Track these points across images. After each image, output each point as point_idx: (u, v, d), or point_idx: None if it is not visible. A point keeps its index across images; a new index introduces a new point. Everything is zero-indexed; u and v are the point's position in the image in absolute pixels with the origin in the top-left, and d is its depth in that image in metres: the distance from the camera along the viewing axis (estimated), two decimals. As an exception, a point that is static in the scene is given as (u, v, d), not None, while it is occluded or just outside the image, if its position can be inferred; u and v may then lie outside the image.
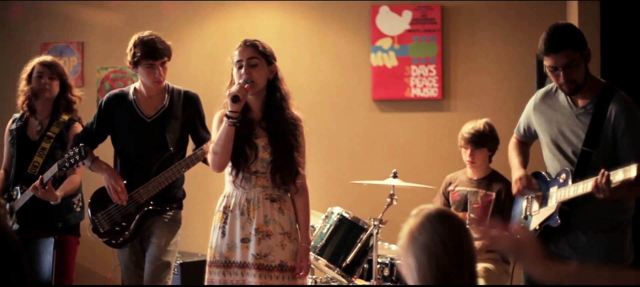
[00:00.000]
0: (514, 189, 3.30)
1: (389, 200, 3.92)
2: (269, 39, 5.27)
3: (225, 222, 3.30)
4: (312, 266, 4.12)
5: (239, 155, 3.27)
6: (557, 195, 3.11)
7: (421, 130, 5.25)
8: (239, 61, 3.28)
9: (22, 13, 5.57)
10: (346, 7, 5.29)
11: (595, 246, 3.07)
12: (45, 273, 4.01)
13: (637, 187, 2.95)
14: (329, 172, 5.22)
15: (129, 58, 3.83)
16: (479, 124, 4.33)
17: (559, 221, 3.07)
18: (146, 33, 3.84)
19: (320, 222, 4.02)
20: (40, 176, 3.91)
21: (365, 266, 3.99)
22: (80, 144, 3.81)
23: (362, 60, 5.26)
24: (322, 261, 3.85)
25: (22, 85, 4.20)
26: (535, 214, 3.22)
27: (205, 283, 3.36)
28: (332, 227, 3.89)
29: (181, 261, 4.69)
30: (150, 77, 3.81)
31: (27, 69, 4.20)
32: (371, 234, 3.82)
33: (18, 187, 4.10)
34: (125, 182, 3.84)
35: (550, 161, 3.25)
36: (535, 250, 1.78)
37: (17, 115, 4.26)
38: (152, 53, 3.77)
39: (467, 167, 4.40)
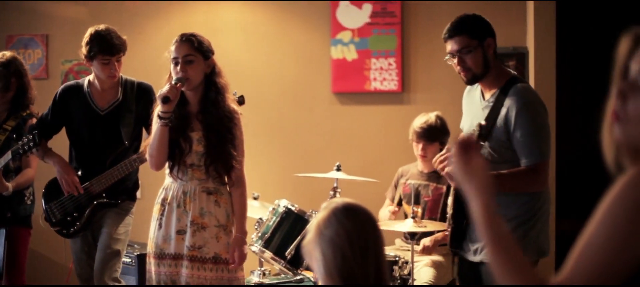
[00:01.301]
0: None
1: (331, 193, 3.96)
2: (230, 33, 5.38)
3: (162, 214, 3.36)
4: (261, 258, 4.18)
5: (174, 148, 3.32)
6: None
7: (381, 123, 5.28)
8: (175, 58, 3.31)
9: (-13, 6, 5.61)
10: (307, 0, 5.31)
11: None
12: (-5, 264, 4.07)
13: (511, 180, 2.92)
14: (287, 165, 5.25)
15: (84, 52, 3.84)
16: (431, 118, 4.36)
17: (451, 212, 3.08)
18: (102, 27, 3.84)
19: (268, 215, 4.06)
20: None
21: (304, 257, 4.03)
22: (34, 132, 3.86)
23: (322, 53, 5.29)
24: (268, 254, 3.89)
25: None
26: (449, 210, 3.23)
27: (146, 273, 3.43)
28: (277, 220, 3.92)
29: (138, 252, 4.74)
30: (105, 72, 3.83)
31: None
32: (314, 227, 3.85)
33: None
34: (78, 173, 3.90)
35: None
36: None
37: None
38: (109, 49, 3.79)
39: (418, 160, 4.44)
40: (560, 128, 4.80)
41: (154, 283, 3.36)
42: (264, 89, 5.32)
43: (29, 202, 4.24)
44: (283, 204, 3.97)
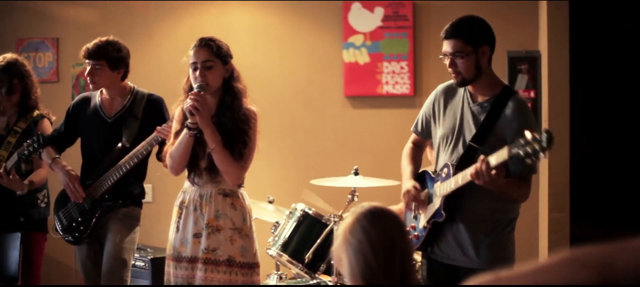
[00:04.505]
0: (403, 202, 3.23)
1: (350, 196, 3.95)
2: (241, 36, 5.36)
3: (180, 218, 3.36)
4: (278, 262, 4.17)
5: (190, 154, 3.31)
6: (440, 189, 3.05)
7: (393, 126, 5.27)
8: (194, 63, 3.30)
9: (-3, 9, 5.60)
10: (318, 4, 5.31)
11: (479, 249, 3.04)
12: (11, 269, 4.04)
13: (516, 187, 2.95)
14: (301, 169, 5.24)
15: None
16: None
17: (444, 215, 3.02)
18: (104, 38, 3.92)
19: (284, 219, 4.05)
20: (4, 164, 3.94)
21: (332, 262, 4.02)
22: (38, 132, 3.88)
23: (335, 57, 5.28)
24: (285, 257, 3.89)
25: None
26: (423, 212, 3.17)
27: (165, 274, 3.42)
28: (295, 224, 3.92)
29: (152, 256, 4.73)
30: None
31: None
32: (332, 230, 3.85)
33: None
34: (85, 181, 3.89)
35: (440, 156, 3.18)
36: None
37: None
38: (85, 52, 3.87)
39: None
40: (574, 132, 4.80)
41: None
42: (276, 92, 5.32)
43: (43, 205, 4.21)
44: (300, 208, 3.96)
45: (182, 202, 3.37)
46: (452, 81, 3.22)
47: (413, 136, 3.45)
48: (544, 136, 2.50)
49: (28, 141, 3.86)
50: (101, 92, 3.98)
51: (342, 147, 5.29)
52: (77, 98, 4.08)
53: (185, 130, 3.25)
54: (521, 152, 2.57)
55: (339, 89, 5.29)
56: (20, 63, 4.19)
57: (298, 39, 5.35)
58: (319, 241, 3.80)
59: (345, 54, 5.26)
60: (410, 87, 5.22)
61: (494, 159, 2.72)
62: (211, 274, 3.27)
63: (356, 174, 4.03)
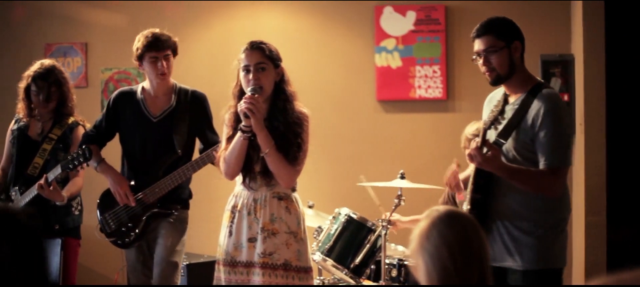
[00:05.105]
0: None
1: (396, 201, 3.91)
2: (273, 40, 5.25)
3: (232, 222, 3.32)
4: (319, 267, 4.14)
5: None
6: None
7: (426, 130, 5.25)
8: (246, 66, 3.26)
9: (26, 14, 5.57)
10: (350, 8, 5.29)
11: (522, 250, 3.02)
12: (52, 274, 4.01)
13: (534, 176, 2.96)
14: (334, 173, 5.22)
15: (134, 55, 3.84)
16: (482, 124, 4.33)
17: (469, 207, 3.05)
18: (152, 30, 3.86)
19: (327, 223, 4.02)
20: (45, 175, 3.89)
21: (373, 267, 4.00)
22: (84, 146, 3.82)
23: (367, 61, 5.26)
24: (330, 262, 3.86)
25: (21, 95, 4.16)
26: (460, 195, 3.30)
27: (214, 279, 3.38)
28: (339, 228, 3.89)
29: (187, 262, 4.69)
30: (154, 70, 3.81)
31: (25, 77, 4.13)
32: (379, 235, 3.83)
33: (17, 188, 4.08)
34: (132, 183, 3.84)
35: None
36: None
37: (19, 115, 4.23)
38: (155, 44, 3.79)
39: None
40: (611, 137, 4.77)
41: None
42: (308, 97, 5.21)
43: (76, 212, 4.18)
44: (344, 212, 3.93)
45: (234, 207, 3.33)
46: (495, 90, 3.24)
47: None
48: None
49: (73, 154, 3.81)
50: (143, 89, 3.93)
51: (376, 151, 5.27)
52: (116, 92, 3.99)
53: (239, 134, 3.22)
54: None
55: (371, 93, 5.27)
56: (58, 70, 4.16)
57: (330, 43, 5.32)
58: (368, 245, 3.76)
59: (377, 58, 5.24)
60: (443, 90, 5.20)
61: (479, 137, 2.91)
62: (269, 278, 3.23)
63: (402, 177, 4.00)
